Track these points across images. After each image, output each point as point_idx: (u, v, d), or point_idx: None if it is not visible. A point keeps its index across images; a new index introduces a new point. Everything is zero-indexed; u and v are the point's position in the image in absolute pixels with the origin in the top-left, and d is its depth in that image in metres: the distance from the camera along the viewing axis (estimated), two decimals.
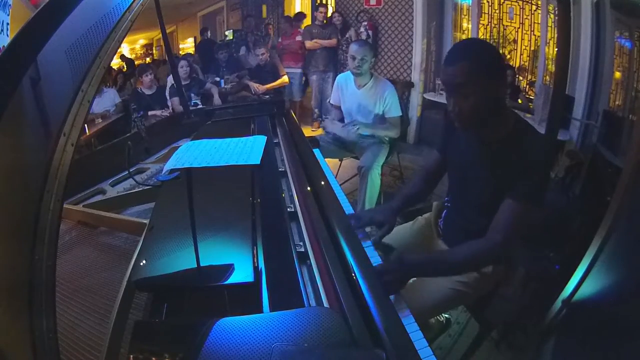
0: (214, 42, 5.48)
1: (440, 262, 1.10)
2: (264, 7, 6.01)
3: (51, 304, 0.56)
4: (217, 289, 0.81)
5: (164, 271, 0.83)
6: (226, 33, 5.87)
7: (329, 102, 2.76)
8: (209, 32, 5.77)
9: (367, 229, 1.28)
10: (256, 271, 0.78)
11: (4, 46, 2.17)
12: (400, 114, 2.41)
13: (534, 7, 3.39)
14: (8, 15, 2.28)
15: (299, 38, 4.44)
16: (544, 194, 1.06)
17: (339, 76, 2.61)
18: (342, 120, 2.60)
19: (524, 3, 3.47)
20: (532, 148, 1.03)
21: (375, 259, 1.08)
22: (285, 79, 4.14)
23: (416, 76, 4.04)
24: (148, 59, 7.53)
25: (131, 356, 0.62)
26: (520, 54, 3.64)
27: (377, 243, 1.19)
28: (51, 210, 0.60)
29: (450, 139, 1.23)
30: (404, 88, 4.01)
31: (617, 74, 2.44)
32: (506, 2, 3.61)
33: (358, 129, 2.35)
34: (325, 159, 1.88)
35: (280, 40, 4.71)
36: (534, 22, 3.41)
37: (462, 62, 0.98)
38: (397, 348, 0.68)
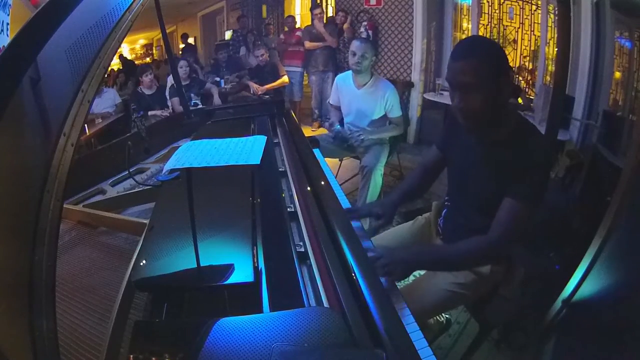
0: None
1: (435, 254, 1.11)
2: (264, 7, 6.01)
3: (51, 304, 0.56)
4: (217, 289, 0.81)
5: (164, 271, 0.83)
6: (226, 33, 5.87)
7: (329, 102, 2.74)
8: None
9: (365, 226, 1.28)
10: (256, 271, 0.78)
11: (4, 46, 2.17)
12: (402, 113, 2.46)
13: (534, 7, 3.38)
14: (8, 15, 2.27)
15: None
16: (544, 195, 1.06)
17: (338, 76, 2.57)
18: (342, 121, 2.57)
19: (524, 3, 3.46)
20: (535, 149, 1.02)
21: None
22: (285, 79, 4.14)
23: (416, 76, 4.03)
24: (148, 59, 7.52)
25: (131, 356, 0.62)
26: (520, 54, 3.63)
27: (374, 234, 1.19)
28: (51, 210, 0.60)
29: (451, 137, 1.23)
30: (404, 88, 4.00)
31: (617, 74, 2.43)
32: (506, 2, 3.61)
33: (363, 139, 2.35)
34: (325, 159, 1.88)
35: (281, 36, 4.69)
36: (534, 22, 3.41)
37: (471, 58, 0.97)
38: (397, 348, 0.68)
